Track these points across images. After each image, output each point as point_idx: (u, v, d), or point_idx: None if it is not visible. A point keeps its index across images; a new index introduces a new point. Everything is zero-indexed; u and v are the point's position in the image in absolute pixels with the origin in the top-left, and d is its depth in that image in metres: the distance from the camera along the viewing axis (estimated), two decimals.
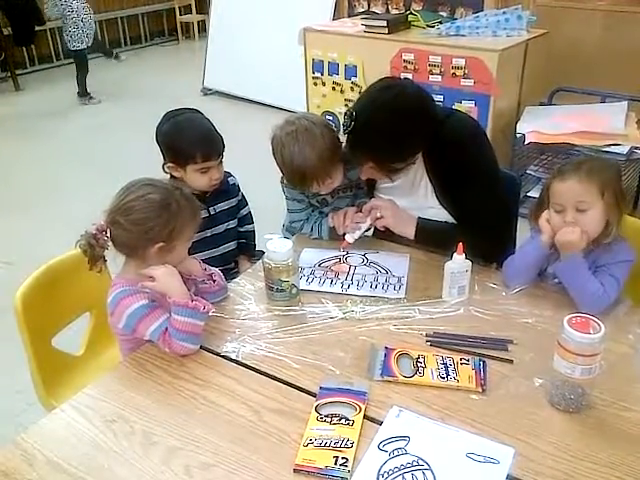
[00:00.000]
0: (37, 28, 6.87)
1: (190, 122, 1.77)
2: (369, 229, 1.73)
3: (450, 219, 1.71)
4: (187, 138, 1.72)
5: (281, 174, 1.78)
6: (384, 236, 1.77)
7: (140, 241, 1.35)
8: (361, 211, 1.71)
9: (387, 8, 4.69)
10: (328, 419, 1.11)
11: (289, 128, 1.65)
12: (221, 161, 1.78)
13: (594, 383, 1.14)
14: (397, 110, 1.53)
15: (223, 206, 1.88)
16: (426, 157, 1.66)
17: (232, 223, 1.92)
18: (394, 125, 1.52)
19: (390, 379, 1.23)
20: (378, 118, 1.53)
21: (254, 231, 2.03)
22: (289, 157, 1.64)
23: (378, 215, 1.67)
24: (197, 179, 1.74)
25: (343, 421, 1.11)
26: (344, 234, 1.71)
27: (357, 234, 1.69)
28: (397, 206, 1.69)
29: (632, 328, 1.35)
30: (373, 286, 1.57)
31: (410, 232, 1.68)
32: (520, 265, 1.52)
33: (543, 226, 1.45)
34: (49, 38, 7.33)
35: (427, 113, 1.59)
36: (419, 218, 1.69)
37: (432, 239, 1.68)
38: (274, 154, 1.69)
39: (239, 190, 1.96)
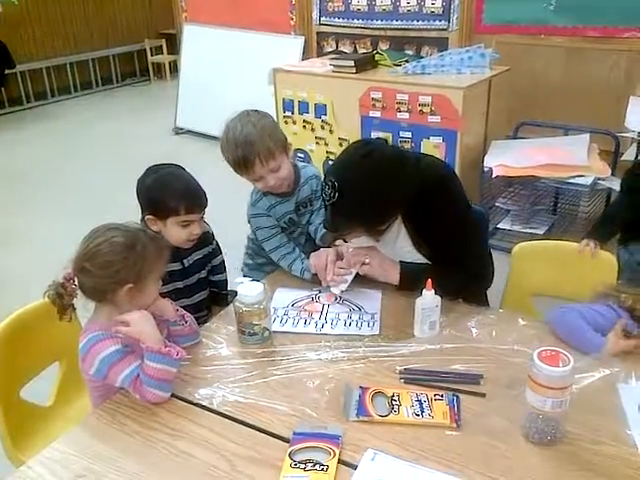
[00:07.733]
0: (7, 71, 6.89)
1: (174, 176, 1.75)
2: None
3: (422, 259, 1.71)
4: (171, 191, 1.68)
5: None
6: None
7: (109, 285, 1.34)
8: (342, 259, 1.69)
9: (355, 48, 4.78)
10: (302, 465, 1.10)
11: (234, 116, 1.81)
12: (202, 217, 1.75)
13: (567, 416, 1.15)
14: (380, 177, 1.50)
15: (197, 256, 1.84)
16: None
17: (204, 273, 1.88)
18: (379, 193, 1.49)
19: (366, 419, 1.22)
20: (362, 189, 1.49)
21: (226, 280, 1.99)
22: (232, 134, 1.76)
23: (366, 261, 1.65)
24: (177, 233, 1.69)
25: (317, 467, 1.09)
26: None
27: (343, 286, 1.68)
28: (381, 253, 1.68)
29: (606, 361, 1.36)
30: (347, 324, 1.58)
31: (394, 278, 1.66)
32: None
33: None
34: (19, 81, 7.32)
35: (407, 172, 1.56)
36: (401, 263, 1.67)
37: (415, 284, 1.61)
38: (221, 144, 1.81)
39: (213, 238, 1.92)
